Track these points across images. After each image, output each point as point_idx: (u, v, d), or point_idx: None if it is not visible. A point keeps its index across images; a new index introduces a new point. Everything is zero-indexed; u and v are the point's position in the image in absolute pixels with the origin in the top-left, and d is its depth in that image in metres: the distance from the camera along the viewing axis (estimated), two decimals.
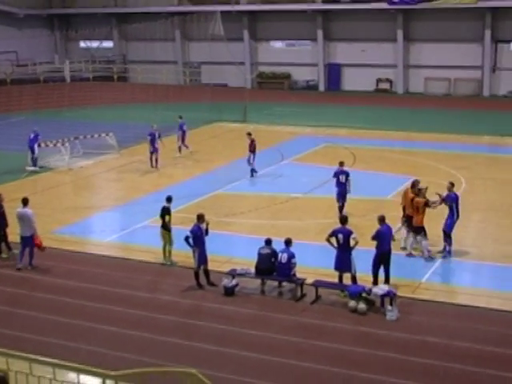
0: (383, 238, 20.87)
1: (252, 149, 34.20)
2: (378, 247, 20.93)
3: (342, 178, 27.52)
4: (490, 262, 23.67)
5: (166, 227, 23.08)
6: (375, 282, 20.71)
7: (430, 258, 23.27)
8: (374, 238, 21.03)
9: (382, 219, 21.31)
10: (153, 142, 35.65)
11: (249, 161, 34.09)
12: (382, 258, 20.91)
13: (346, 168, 28.40)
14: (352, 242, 20.43)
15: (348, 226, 20.78)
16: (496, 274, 22.86)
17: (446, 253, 23.61)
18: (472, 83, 61.01)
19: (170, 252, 23.25)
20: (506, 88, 60.15)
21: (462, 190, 31.34)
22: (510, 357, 17.13)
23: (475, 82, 60.91)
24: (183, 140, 38.92)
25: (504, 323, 19.00)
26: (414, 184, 24.64)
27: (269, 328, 18.73)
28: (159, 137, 36.19)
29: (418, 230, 23.51)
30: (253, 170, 34.36)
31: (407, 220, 23.97)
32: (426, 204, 23.47)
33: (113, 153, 39.60)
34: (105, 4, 72.69)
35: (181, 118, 39.47)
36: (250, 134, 35.29)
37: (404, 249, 24.05)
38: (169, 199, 23.38)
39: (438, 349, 17.50)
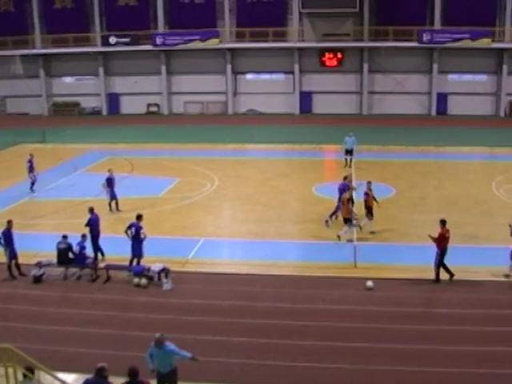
0: (94, 224, 21.09)
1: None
2: (91, 232, 21.03)
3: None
4: (240, 238, 24.34)
5: None
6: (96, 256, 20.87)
7: (350, 242, 22.86)
8: (86, 225, 21.16)
9: (91, 210, 21.53)
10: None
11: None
12: (95, 239, 21.07)
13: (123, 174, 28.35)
14: (142, 235, 20.20)
15: (137, 222, 20.49)
16: (245, 247, 23.54)
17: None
18: (219, 104, 62.22)
19: None
20: (245, 107, 61.97)
21: (215, 185, 32.03)
22: (260, 308, 17.77)
23: (222, 103, 62.16)
24: None
25: (253, 283, 19.64)
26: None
27: (71, 306, 18.24)
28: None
29: (346, 220, 23.16)
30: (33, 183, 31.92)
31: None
32: (350, 199, 23.39)
33: None
34: None
35: None
36: (31, 155, 33.30)
37: (372, 232, 23.73)
38: None
39: (203, 308, 17.85)
